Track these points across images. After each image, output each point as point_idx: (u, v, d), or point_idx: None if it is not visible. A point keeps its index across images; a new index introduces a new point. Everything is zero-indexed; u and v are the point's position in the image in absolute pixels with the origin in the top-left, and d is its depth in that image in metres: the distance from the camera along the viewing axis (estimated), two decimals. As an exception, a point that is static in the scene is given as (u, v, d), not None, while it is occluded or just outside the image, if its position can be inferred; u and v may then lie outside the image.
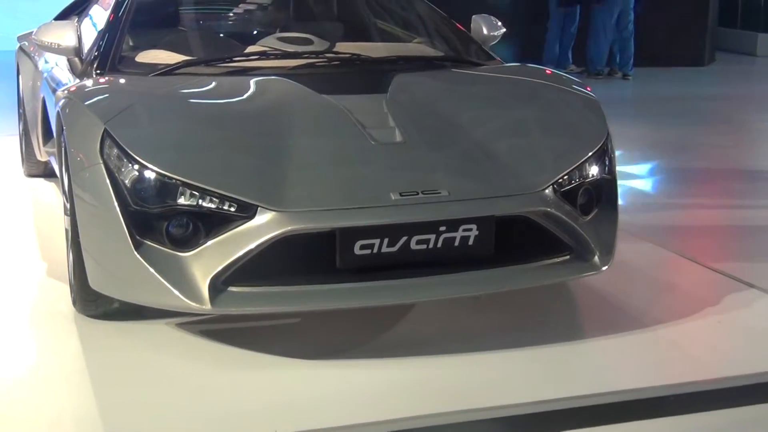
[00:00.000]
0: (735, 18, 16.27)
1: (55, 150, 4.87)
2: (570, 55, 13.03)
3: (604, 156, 3.91)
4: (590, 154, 3.83)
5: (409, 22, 5.48)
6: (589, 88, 4.39)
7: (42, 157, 5.75)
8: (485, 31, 5.04)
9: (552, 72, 4.67)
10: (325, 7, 5.80)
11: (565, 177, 3.72)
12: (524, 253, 3.67)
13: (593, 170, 3.82)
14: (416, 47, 5.04)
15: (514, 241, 3.63)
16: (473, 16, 5.12)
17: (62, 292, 4.10)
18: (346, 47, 4.80)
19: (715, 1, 14.26)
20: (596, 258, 3.72)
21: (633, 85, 12.22)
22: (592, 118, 4.11)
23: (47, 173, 6.16)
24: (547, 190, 3.63)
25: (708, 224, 5.58)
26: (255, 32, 5.38)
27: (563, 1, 12.59)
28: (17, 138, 6.66)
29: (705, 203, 6.14)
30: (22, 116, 6.36)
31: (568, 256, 3.71)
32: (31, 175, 6.33)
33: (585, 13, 12.68)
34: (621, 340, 3.70)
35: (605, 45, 12.49)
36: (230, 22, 5.71)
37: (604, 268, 3.73)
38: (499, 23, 5.13)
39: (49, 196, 5.91)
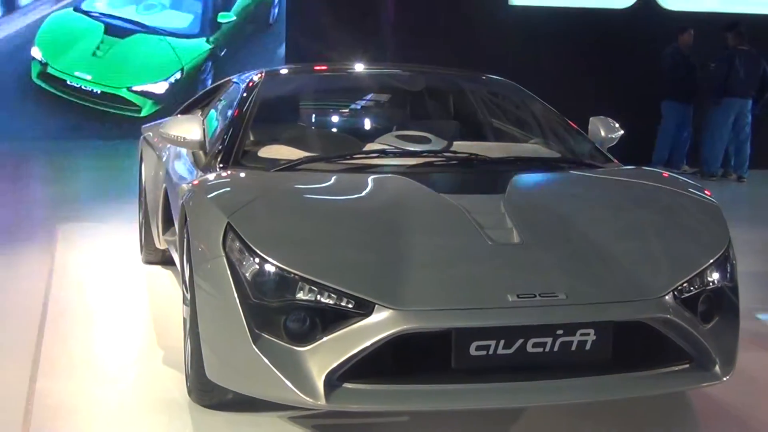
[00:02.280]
0: None
1: (174, 239, 4.99)
2: (684, 156, 12.94)
3: (726, 263, 3.84)
4: (711, 261, 3.77)
5: (525, 121, 5.51)
6: (708, 192, 4.34)
7: (161, 245, 5.89)
8: (603, 133, 5.04)
9: (669, 175, 4.62)
10: (441, 105, 5.88)
11: (686, 284, 3.66)
12: (642, 359, 3.60)
13: (714, 277, 3.75)
14: (532, 148, 5.06)
15: (631, 346, 3.57)
16: (591, 118, 5.12)
17: (178, 381, 4.16)
18: (463, 146, 4.84)
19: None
20: (717, 367, 3.63)
21: (748, 188, 12.03)
22: (712, 223, 4.05)
23: (164, 261, 6.29)
24: (667, 297, 3.58)
25: (830, 334, 5.41)
26: (373, 129, 5.47)
27: (678, 97, 12.53)
28: (137, 226, 6.84)
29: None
30: (143, 204, 6.53)
31: (687, 365, 3.63)
32: (148, 263, 6.46)
33: (700, 113, 12.61)
34: (742, 454, 3.60)
35: (721, 147, 12.38)
36: (348, 119, 5.82)
37: (725, 379, 3.63)
38: (617, 125, 5.12)
39: (166, 284, 6.03)
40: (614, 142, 5.07)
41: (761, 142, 12.54)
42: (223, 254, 3.59)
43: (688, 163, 12.91)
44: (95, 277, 6.21)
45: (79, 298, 5.67)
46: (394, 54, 13.11)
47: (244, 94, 5.07)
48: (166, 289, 5.90)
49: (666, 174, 4.68)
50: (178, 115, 5.51)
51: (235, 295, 3.51)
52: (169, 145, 5.54)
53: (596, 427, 3.80)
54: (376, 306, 3.37)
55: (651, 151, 12.78)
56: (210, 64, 14.66)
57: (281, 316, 3.44)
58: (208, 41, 14.71)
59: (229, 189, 4.09)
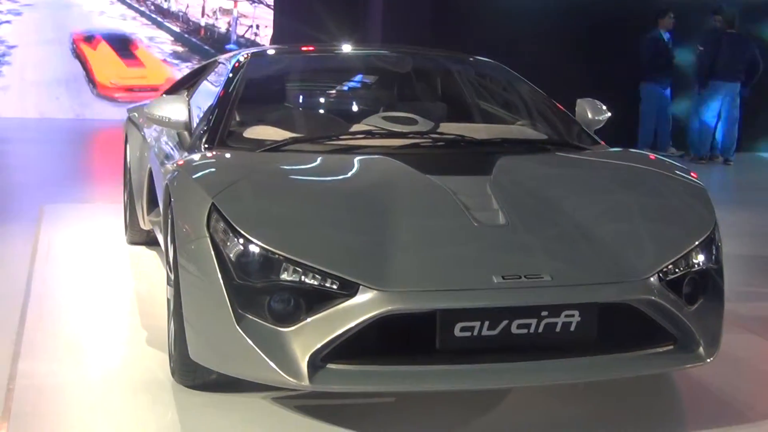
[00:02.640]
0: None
1: (158, 220, 4.97)
2: (669, 138, 12.95)
3: (711, 245, 3.84)
4: (697, 243, 3.77)
5: (512, 103, 5.50)
6: (695, 175, 4.34)
7: (145, 225, 5.87)
8: (590, 115, 5.02)
9: (656, 158, 4.62)
10: (428, 86, 5.85)
11: (671, 265, 3.66)
12: (626, 341, 3.60)
13: (700, 259, 3.75)
14: (519, 129, 5.04)
15: (616, 328, 3.57)
16: (578, 100, 5.11)
17: (161, 361, 4.15)
18: (449, 128, 4.82)
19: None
20: (701, 349, 3.63)
21: (734, 171, 12.06)
22: (699, 206, 4.05)
23: (149, 241, 6.27)
24: (652, 278, 3.57)
25: (814, 317, 5.43)
26: (359, 110, 5.45)
27: (657, 80, 12.53)
28: (121, 206, 6.81)
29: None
30: (127, 185, 6.51)
31: (671, 346, 3.63)
32: (133, 243, 6.44)
33: (687, 97, 12.60)
34: (725, 436, 3.61)
35: (708, 130, 12.40)
36: (336, 100, 5.79)
37: (709, 360, 3.63)
38: (604, 107, 5.11)
39: (150, 264, 6.01)
40: (601, 124, 5.06)
41: (748, 125, 12.55)
42: (207, 235, 3.57)
43: (674, 146, 12.91)
44: (79, 257, 6.19)
45: (63, 279, 5.65)
46: (381, 35, 13.06)
47: (230, 75, 5.03)
48: (150, 269, 5.89)
49: (653, 156, 4.68)
50: (164, 95, 5.48)
51: (219, 275, 3.49)
52: (154, 126, 5.51)
53: (579, 409, 3.81)
54: (361, 287, 3.36)
55: (637, 134, 12.80)
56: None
57: (265, 296, 3.43)
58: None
59: (213, 169, 4.07)
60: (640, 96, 12.76)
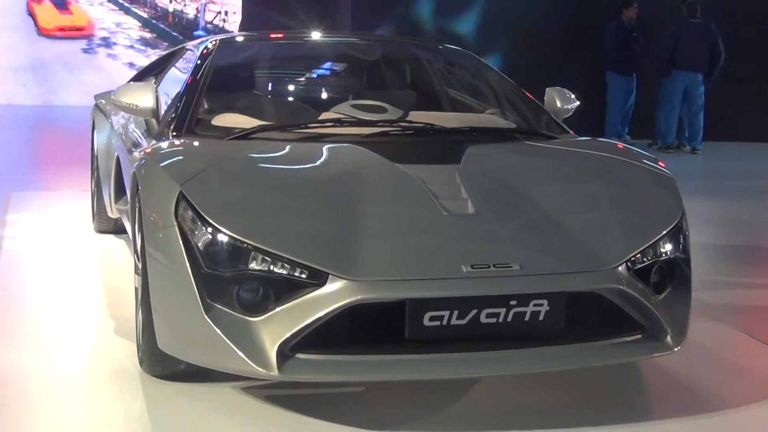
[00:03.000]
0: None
1: (126, 208, 4.94)
2: (627, 127, 12.98)
3: (679, 234, 3.85)
4: (665, 232, 3.79)
5: (481, 91, 5.49)
6: (662, 164, 4.35)
7: (113, 214, 5.83)
8: (558, 104, 5.03)
9: (624, 147, 4.63)
10: (398, 75, 5.84)
11: (639, 255, 3.67)
12: (595, 330, 3.62)
13: (667, 248, 3.77)
14: (488, 118, 5.04)
15: (584, 317, 3.59)
16: (547, 89, 5.10)
17: (129, 351, 4.12)
18: (419, 116, 4.81)
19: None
20: (668, 338, 3.65)
21: (702, 160, 12.12)
22: (666, 195, 4.07)
23: (117, 230, 6.23)
24: (620, 268, 3.59)
25: (780, 305, 5.47)
26: (329, 98, 5.43)
27: (621, 70, 12.56)
28: (89, 194, 6.76)
29: (777, 284, 6.03)
30: (95, 173, 6.46)
31: (639, 335, 3.65)
32: (101, 232, 6.40)
33: (651, 86, 12.63)
34: (690, 424, 3.62)
35: (673, 119, 12.45)
36: (305, 88, 5.77)
37: (676, 349, 3.66)
38: (573, 96, 5.11)
39: (118, 253, 5.97)
40: (570, 113, 5.07)
41: (715, 114, 12.61)
42: (175, 223, 3.55)
43: (629, 133, 12.88)
44: (46, 246, 6.14)
45: (30, 267, 5.60)
46: (351, 22, 13.03)
47: (199, 62, 5.00)
48: (117, 258, 5.85)
49: (621, 145, 4.70)
50: (131, 83, 5.43)
51: (187, 265, 3.47)
52: (121, 113, 5.47)
53: (548, 398, 3.82)
54: (330, 276, 3.35)
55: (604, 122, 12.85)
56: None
57: (234, 286, 3.42)
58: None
59: (181, 157, 4.04)
60: (606, 85, 12.80)
